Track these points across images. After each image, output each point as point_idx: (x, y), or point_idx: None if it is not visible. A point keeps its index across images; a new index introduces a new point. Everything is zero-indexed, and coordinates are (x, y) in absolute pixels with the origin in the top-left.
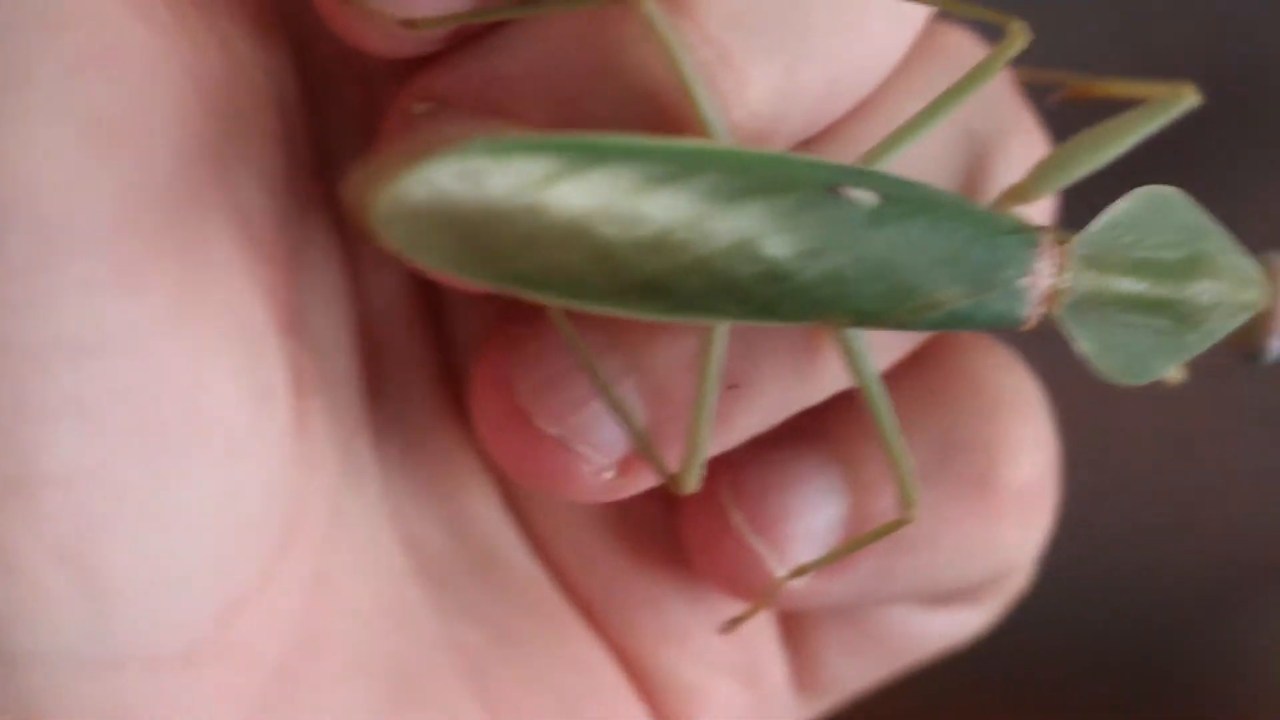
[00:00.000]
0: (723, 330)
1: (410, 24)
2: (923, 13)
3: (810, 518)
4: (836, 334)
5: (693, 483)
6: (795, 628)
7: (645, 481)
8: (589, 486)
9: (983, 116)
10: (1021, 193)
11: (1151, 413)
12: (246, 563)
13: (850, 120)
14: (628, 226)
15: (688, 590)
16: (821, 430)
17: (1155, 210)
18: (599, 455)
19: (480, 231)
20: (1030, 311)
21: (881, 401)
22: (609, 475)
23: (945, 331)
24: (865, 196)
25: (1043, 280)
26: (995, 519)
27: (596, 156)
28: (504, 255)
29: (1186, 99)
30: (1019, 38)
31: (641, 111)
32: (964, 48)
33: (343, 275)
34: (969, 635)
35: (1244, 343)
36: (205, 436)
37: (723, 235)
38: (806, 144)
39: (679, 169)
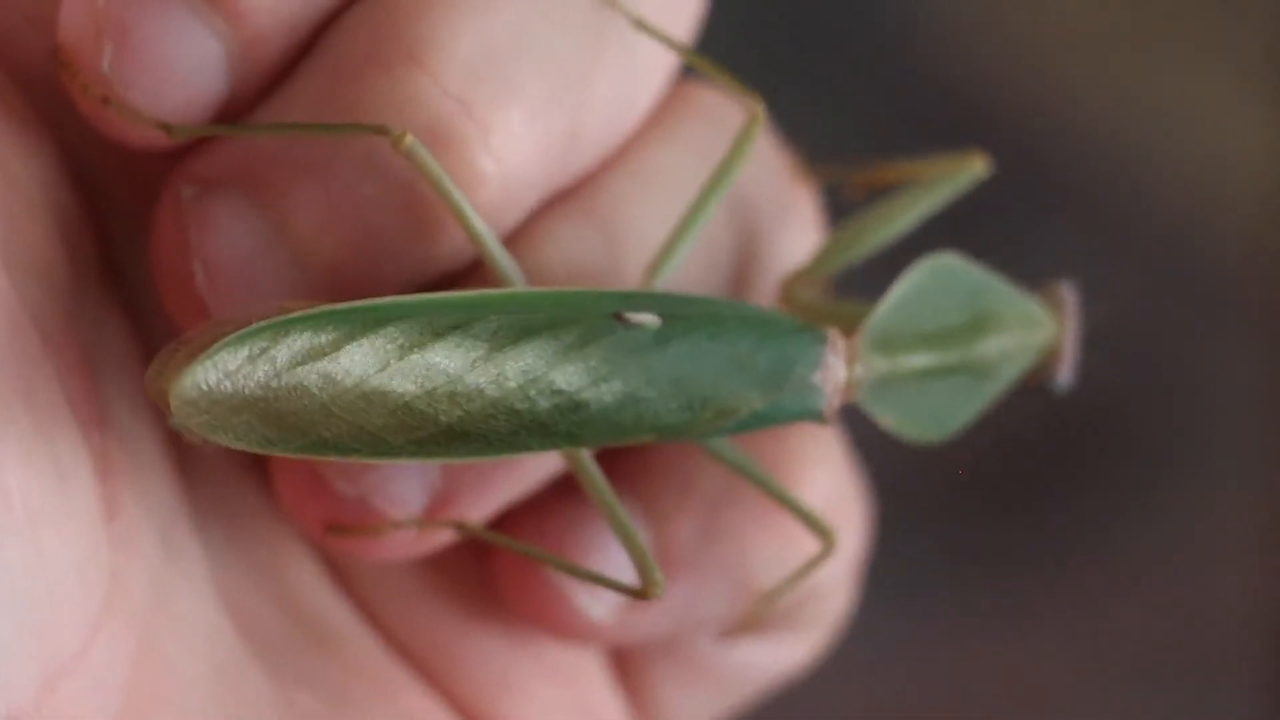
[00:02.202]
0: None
1: (166, 129)
2: (666, 63)
3: (613, 550)
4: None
5: (658, 586)
6: (626, 666)
7: (447, 535)
8: (392, 544)
9: (755, 203)
10: (806, 275)
11: None
12: (63, 632)
13: (604, 173)
14: (420, 380)
15: (512, 635)
16: (617, 467)
17: (935, 279)
18: (398, 512)
19: (276, 407)
20: (827, 404)
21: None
22: (410, 531)
23: (750, 432)
24: (649, 319)
25: (835, 373)
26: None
27: (378, 319)
28: (303, 426)
29: (973, 169)
30: (757, 117)
31: (403, 167)
32: (714, 105)
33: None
34: (798, 664)
35: (1038, 377)
36: (2, 506)
37: (513, 375)
38: (562, 198)
39: (460, 318)
